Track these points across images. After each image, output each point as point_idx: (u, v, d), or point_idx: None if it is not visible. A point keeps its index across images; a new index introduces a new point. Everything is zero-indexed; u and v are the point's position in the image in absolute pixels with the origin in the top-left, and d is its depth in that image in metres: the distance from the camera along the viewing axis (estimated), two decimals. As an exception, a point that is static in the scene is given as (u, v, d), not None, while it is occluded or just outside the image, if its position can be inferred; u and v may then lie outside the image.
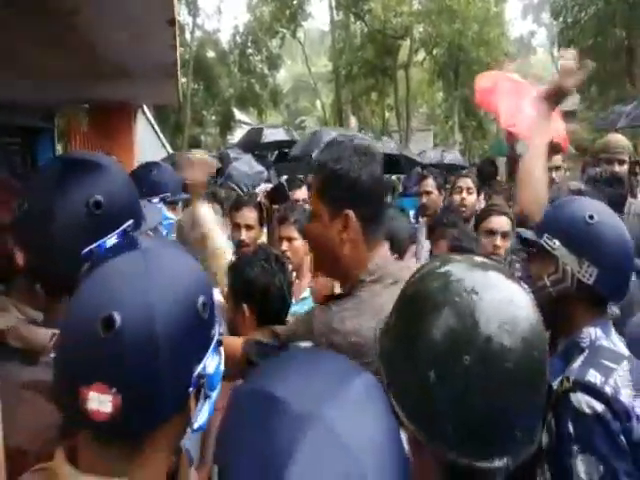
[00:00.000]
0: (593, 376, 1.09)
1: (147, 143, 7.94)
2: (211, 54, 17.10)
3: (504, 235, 2.25)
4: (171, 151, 9.23)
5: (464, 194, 2.94)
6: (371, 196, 1.12)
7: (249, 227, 2.44)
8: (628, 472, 1.03)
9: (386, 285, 1.13)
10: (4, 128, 5.17)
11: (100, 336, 0.60)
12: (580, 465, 1.06)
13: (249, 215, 2.45)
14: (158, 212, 1.43)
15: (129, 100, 4.35)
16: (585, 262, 1.18)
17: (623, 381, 1.10)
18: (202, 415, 0.68)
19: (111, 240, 0.96)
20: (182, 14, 16.27)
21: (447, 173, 5.42)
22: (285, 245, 2.45)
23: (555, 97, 1.55)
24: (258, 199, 4.56)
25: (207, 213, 1.99)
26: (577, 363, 1.13)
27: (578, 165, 5.31)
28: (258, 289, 1.46)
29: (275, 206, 3.18)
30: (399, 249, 1.82)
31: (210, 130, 17.58)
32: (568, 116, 17.35)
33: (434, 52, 14.04)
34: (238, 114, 18.19)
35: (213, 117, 17.31)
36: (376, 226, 1.15)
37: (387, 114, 18.26)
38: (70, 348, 0.64)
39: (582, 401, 1.07)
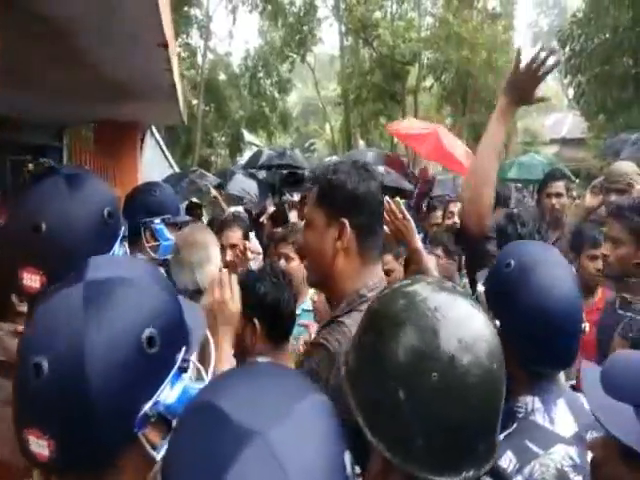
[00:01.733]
0: (507, 460, 0.95)
1: (155, 163, 8.04)
2: (222, 77, 17.46)
3: None
4: (178, 171, 9.31)
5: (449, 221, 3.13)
6: (366, 208, 1.12)
7: (234, 247, 2.46)
8: None
9: None
10: (14, 145, 5.28)
11: (31, 382, 0.60)
12: None
13: (232, 235, 2.47)
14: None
15: (133, 120, 4.44)
16: (490, 314, 0.99)
17: (543, 471, 0.93)
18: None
19: (117, 247, 0.99)
20: (194, 37, 16.68)
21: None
22: (282, 263, 2.46)
23: (516, 89, 1.40)
24: (261, 220, 4.61)
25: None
26: (501, 436, 0.94)
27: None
28: (269, 304, 1.47)
29: (276, 229, 3.22)
30: None
31: (220, 151, 17.83)
32: (577, 144, 17.22)
33: (442, 78, 14.20)
34: (248, 136, 18.45)
35: (223, 138, 17.57)
36: (371, 240, 1.14)
37: (395, 138, 18.40)
38: (15, 391, 0.64)
39: None
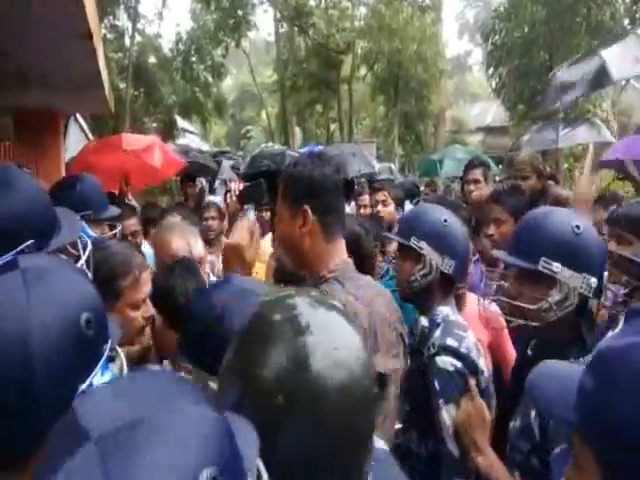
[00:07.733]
0: (451, 342, 1.37)
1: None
2: (152, 60, 16.72)
3: None
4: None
5: (379, 206, 3.28)
6: (324, 191, 1.26)
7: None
8: None
9: (348, 291, 1.22)
10: None
11: None
12: (444, 414, 1.31)
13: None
14: (76, 225, 1.33)
15: (56, 108, 4.23)
16: (445, 257, 1.48)
17: (470, 345, 1.39)
18: None
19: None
20: (121, 19, 15.84)
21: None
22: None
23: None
24: (226, 200, 4.29)
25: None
26: (437, 334, 1.41)
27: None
28: (171, 298, 1.48)
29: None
30: (367, 250, 1.96)
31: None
32: (500, 131, 18.13)
33: (375, 68, 14.48)
34: (181, 122, 17.86)
35: (154, 124, 16.89)
36: (332, 218, 1.28)
37: (332, 126, 18.58)
38: None
39: (446, 361, 1.34)
